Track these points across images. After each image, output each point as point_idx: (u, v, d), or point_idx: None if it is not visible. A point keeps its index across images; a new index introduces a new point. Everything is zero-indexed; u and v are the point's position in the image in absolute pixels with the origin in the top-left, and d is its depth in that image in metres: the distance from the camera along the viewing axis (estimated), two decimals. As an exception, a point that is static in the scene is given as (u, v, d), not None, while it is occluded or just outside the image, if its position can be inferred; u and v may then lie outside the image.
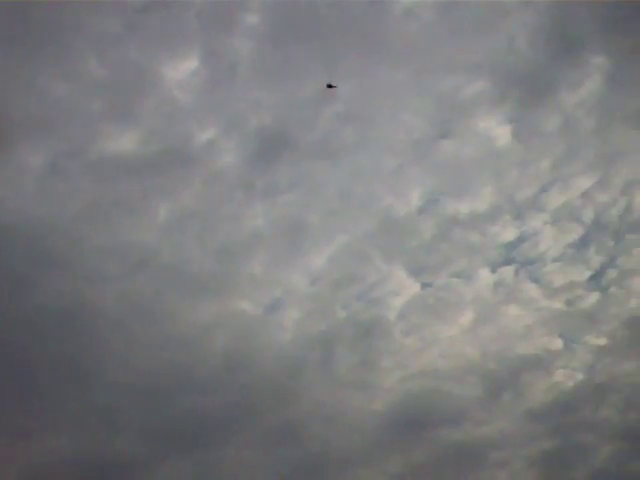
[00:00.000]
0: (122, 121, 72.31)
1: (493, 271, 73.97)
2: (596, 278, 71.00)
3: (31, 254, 64.21)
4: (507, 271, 73.62)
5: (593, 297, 69.83)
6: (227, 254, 72.95)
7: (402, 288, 73.82)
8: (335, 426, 65.20)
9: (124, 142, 71.78)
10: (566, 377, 66.41)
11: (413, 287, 73.63)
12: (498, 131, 74.94)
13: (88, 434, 60.51)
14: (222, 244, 72.72)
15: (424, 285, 74.14)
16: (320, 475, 61.18)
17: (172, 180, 72.19)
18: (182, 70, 73.38)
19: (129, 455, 58.84)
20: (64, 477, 57.51)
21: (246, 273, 72.68)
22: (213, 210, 73.57)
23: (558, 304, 71.34)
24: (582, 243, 72.77)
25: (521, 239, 74.04)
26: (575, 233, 73.21)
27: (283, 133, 74.61)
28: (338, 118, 75.39)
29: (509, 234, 74.41)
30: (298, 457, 62.35)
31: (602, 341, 68.03)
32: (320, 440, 63.77)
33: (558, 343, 69.04)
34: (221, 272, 72.07)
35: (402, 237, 74.72)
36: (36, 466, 57.62)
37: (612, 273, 70.80)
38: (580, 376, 66.33)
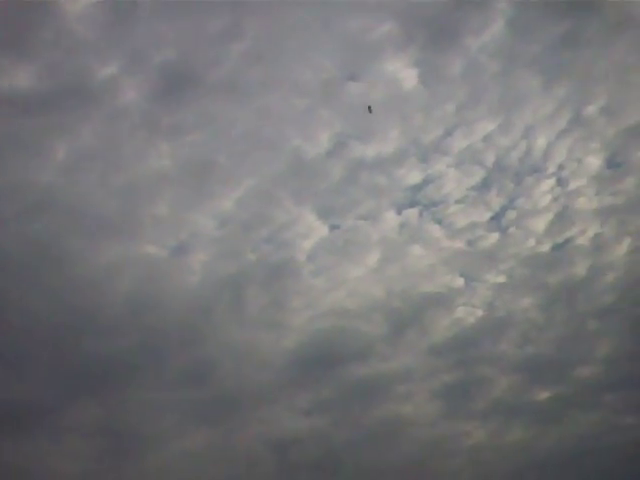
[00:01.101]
0: (17, 55, 67.84)
1: (398, 213, 75.39)
2: (496, 219, 73.60)
3: None
4: (412, 213, 75.33)
5: (493, 237, 72.40)
6: (131, 195, 70.73)
7: (311, 230, 74.16)
8: (246, 365, 65.57)
9: (19, 77, 67.52)
10: (467, 314, 68.93)
11: (322, 229, 74.15)
12: (405, 74, 75.32)
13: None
14: (125, 184, 70.38)
15: (332, 227, 74.80)
16: (232, 413, 61.56)
17: (71, 118, 68.72)
18: (82, 1, 69.26)
19: (34, 400, 56.97)
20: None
21: (151, 214, 70.95)
22: (115, 149, 70.79)
23: (460, 244, 73.67)
24: (483, 185, 75.03)
25: (426, 182, 75.53)
26: (477, 176, 75.25)
27: (188, 70, 72.21)
28: (245, 56, 73.64)
29: (414, 177, 75.77)
30: (209, 396, 62.43)
31: (501, 279, 70.89)
32: (231, 379, 64.03)
33: (459, 281, 71.45)
34: (125, 213, 70.00)
35: (311, 179, 74.77)
36: None
37: (511, 214, 73.45)
38: (480, 312, 69.03)
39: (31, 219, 65.86)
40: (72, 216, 67.05)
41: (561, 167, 73.15)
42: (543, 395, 63.34)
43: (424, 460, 59.45)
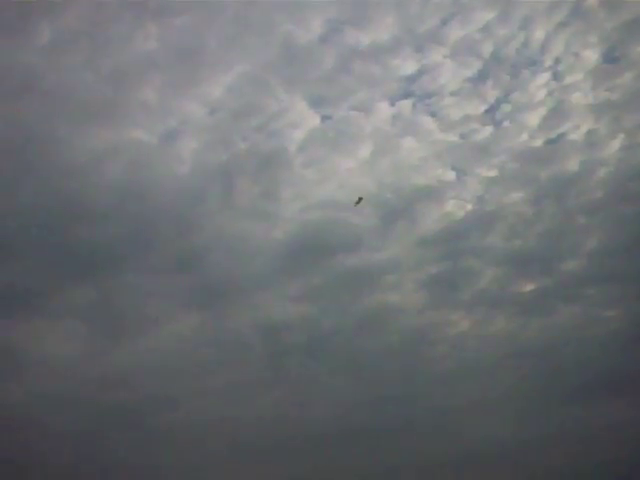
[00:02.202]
0: None
1: (392, 104, 74.10)
2: (491, 112, 72.54)
3: None
4: (405, 104, 73.97)
5: (487, 131, 71.63)
6: (118, 79, 68.72)
7: (302, 120, 72.97)
8: (236, 254, 66.14)
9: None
10: (457, 207, 69.26)
11: (313, 119, 72.97)
12: (401, -41, 72.11)
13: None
14: (112, 68, 68.22)
15: (324, 117, 73.59)
16: (222, 299, 62.66)
17: (55, -3, 65.70)
18: None
19: (29, 283, 57.56)
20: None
21: (139, 100, 69.26)
22: (102, 32, 68.14)
23: (453, 137, 72.94)
24: (479, 77, 73.44)
25: (420, 72, 73.80)
26: (473, 67, 73.42)
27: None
28: None
29: (409, 67, 73.82)
30: (200, 283, 63.31)
31: (492, 173, 70.71)
32: (221, 267, 64.71)
33: (451, 175, 71.40)
34: (112, 98, 68.26)
35: (303, 67, 72.77)
36: None
37: (506, 107, 72.36)
38: (470, 206, 69.35)
39: (16, 101, 64.23)
40: (58, 100, 65.45)
41: (558, 60, 71.57)
42: (528, 287, 64.69)
43: (410, 347, 61.14)
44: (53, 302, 58.90)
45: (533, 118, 71.14)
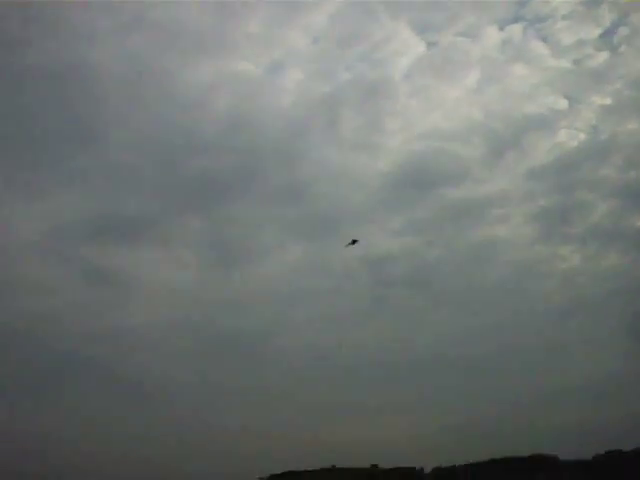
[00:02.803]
0: None
1: (501, 29, 71.86)
2: (606, 36, 68.67)
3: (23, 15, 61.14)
4: (515, 29, 71.23)
5: (601, 56, 68.08)
6: (224, 11, 70.01)
7: (407, 47, 71.61)
8: (340, 185, 66.45)
9: None
10: (569, 137, 66.89)
11: (418, 46, 71.35)
12: None
13: (102, 193, 61.43)
14: (218, 0, 68.62)
15: (430, 44, 71.77)
16: (328, 230, 63.32)
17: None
18: None
19: (142, 213, 60.10)
20: (82, 233, 59.05)
21: (245, 32, 69.59)
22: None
23: (565, 63, 69.99)
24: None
25: (532, -5, 69.97)
26: (589, -13, 69.10)
27: None
28: None
29: (520, -12, 70.38)
30: (306, 214, 64.18)
31: (607, 101, 67.76)
32: (325, 199, 65.27)
33: (563, 103, 68.69)
34: (219, 31, 69.23)
35: (408, -8, 70.53)
36: (55, 226, 58.92)
37: (624, 31, 68.47)
38: (583, 136, 66.74)
39: (127, 35, 65.77)
40: (168, 32, 66.66)
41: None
42: (644, 221, 61.93)
43: (517, 281, 60.28)
44: (167, 231, 61.38)
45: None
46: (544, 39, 71.08)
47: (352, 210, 65.20)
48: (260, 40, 70.68)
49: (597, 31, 70.17)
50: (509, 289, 59.69)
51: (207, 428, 46.41)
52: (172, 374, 52.41)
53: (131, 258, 59.32)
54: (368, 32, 71.44)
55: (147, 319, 55.02)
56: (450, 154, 67.11)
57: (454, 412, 47.17)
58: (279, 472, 39.52)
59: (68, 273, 57.75)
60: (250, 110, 67.81)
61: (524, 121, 68.27)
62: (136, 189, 62.22)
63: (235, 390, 51.98)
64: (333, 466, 38.84)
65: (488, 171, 67.45)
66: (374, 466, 39.60)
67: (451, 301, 59.51)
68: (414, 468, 40.14)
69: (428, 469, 41.02)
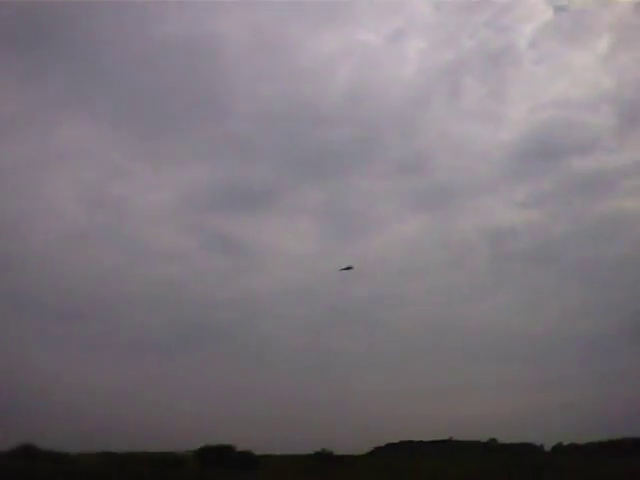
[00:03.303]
0: None
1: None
2: None
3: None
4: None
5: None
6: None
7: (533, 12, 69.25)
8: (462, 156, 65.39)
9: None
10: None
11: (546, 11, 69.02)
12: None
13: (228, 162, 63.75)
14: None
15: (557, 9, 69.03)
16: (447, 202, 62.74)
17: None
18: None
19: (265, 183, 61.91)
20: (209, 203, 61.63)
21: (367, 0, 69.11)
22: None
23: None
24: None
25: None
26: None
27: None
28: None
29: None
30: (425, 185, 63.77)
31: None
32: (445, 170, 64.45)
33: None
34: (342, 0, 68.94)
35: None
36: (183, 196, 61.88)
37: None
38: None
39: (252, 5, 67.00)
40: (292, 3, 67.18)
41: None
42: None
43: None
44: (288, 202, 62.94)
45: None
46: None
47: (473, 182, 64.21)
48: (382, 9, 70.26)
49: None
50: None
51: (320, 396, 47.59)
52: (291, 341, 54.09)
53: (255, 227, 61.38)
54: (493, -4, 69.26)
55: (269, 287, 56.94)
56: (578, 123, 64.29)
57: (577, 389, 45.91)
58: (396, 441, 40.09)
59: (196, 241, 60.62)
60: (371, 80, 67.82)
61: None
62: (259, 160, 64.08)
63: (351, 359, 52.93)
64: (450, 438, 39.08)
65: (619, 141, 64.25)
66: (492, 440, 39.53)
67: (577, 276, 57.47)
68: (533, 444, 39.73)
69: (548, 447, 40.56)
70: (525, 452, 36.49)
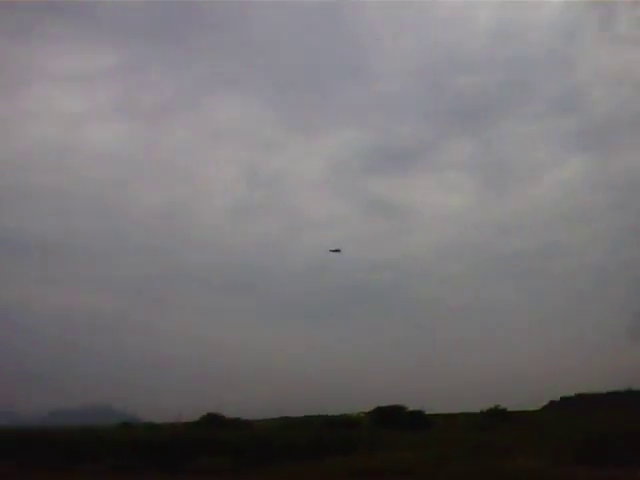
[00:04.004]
0: None
1: None
2: None
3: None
4: None
5: None
6: None
7: None
8: (619, 88, 61.03)
9: None
10: None
11: None
12: None
13: (375, 124, 63.90)
14: None
15: None
16: (606, 140, 59.13)
17: None
18: None
19: (413, 141, 61.44)
20: (359, 167, 62.11)
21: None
22: None
23: None
24: None
25: None
26: None
27: None
28: None
29: None
30: (581, 124, 60.49)
31: None
32: (603, 104, 60.66)
33: None
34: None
35: None
36: (334, 162, 62.89)
37: None
38: None
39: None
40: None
41: None
42: None
43: None
44: (438, 157, 62.10)
45: None
46: None
47: (635, 114, 59.74)
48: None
49: None
50: None
51: (488, 353, 46.94)
52: (452, 300, 53.86)
53: (407, 187, 61.54)
54: None
55: (422, 246, 56.84)
56: None
57: None
58: (571, 394, 38.66)
59: (349, 205, 61.56)
60: (514, 18, 64.82)
61: None
62: (406, 117, 63.68)
63: (516, 313, 51.78)
64: (629, 388, 37.19)
65: None
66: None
67: None
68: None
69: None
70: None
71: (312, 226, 56.82)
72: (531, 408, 35.39)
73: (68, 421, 41.11)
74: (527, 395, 38.42)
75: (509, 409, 28.47)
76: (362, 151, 58.85)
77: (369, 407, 28.74)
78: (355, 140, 59.63)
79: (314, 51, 63.02)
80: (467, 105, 61.02)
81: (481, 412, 28.60)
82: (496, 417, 27.00)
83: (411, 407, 28.02)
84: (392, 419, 26.49)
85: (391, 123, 60.99)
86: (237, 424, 25.45)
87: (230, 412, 26.41)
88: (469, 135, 61.99)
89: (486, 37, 63.62)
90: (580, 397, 37.57)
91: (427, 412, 28.30)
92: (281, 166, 57.15)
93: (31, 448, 18.55)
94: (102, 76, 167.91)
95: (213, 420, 25.12)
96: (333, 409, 30.40)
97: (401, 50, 63.60)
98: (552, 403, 39.18)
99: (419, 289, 52.17)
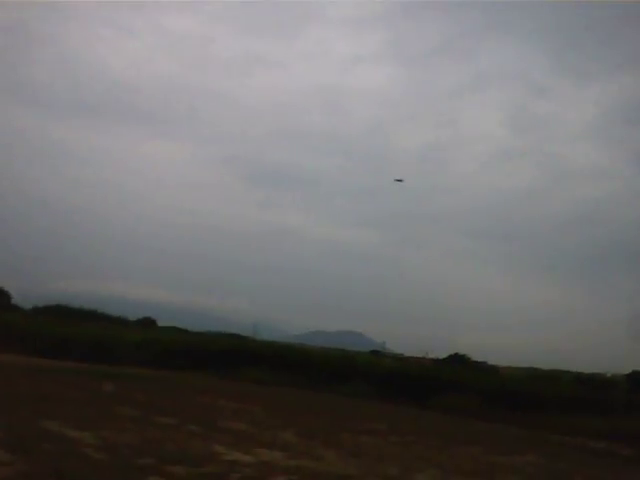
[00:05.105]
0: None
1: None
2: None
3: None
4: None
5: None
6: None
7: None
8: None
9: None
10: None
11: None
12: None
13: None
14: None
15: None
16: None
17: None
18: None
19: None
20: (627, 116, 56.45)
21: None
22: None
23: None
24: None
25: None
26: None
27: None
28: None
29: None
30: None
31: None
32: None
33: None
34: None
35: None
36: (602, 110, 57.84)
37: None
38: None
39: None
40: None
41: None
42: None
43: None
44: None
45: None
46: None
47: None
48: None
49: None
50: None
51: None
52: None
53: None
54: None
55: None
56: None
57: None
58: None
59: (620, 158, 56.54)
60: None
61: None
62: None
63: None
64: None
65: None
66: None
67: None
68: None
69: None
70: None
71: (578, 177, 53.04)
72: None
73: (325, 342, 44.32)
74: None
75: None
76: (630, 101, 52.86)
77: (625, 370, 27.02)
78: (624, 89, 53.57)
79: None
80: None
81: None
82: None
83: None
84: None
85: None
86: (483, 368, 25.43)
87: (475, 355, 26.39)
88: None
89: None
90: None
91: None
92: (547, 113, 53.45)
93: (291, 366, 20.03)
94: (372, 21, 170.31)
95: (459, 360, 25.34)
96: (585, 366, 28.95)
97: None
98: None
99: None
